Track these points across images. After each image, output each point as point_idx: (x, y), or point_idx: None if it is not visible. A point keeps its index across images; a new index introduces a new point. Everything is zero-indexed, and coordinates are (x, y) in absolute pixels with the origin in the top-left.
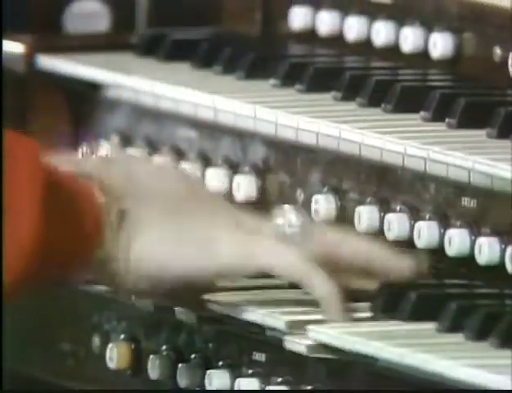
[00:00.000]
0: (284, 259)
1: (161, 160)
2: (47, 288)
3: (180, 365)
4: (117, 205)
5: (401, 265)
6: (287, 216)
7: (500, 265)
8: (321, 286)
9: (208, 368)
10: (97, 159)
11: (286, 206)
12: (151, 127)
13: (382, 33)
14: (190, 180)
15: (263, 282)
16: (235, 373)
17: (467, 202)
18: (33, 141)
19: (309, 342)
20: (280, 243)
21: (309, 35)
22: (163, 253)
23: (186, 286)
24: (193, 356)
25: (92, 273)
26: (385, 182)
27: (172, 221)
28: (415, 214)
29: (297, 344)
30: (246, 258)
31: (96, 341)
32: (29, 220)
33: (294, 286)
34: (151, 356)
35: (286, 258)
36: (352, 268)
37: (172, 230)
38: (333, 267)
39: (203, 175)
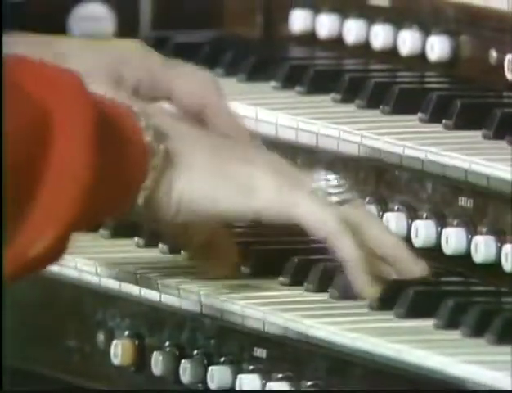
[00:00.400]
0: (317, 214)
1: None
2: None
3: (183, 361)
4: (163, 145)
5: (416, 268)
6: (328, 179)
7: (496, 263)
8: (348, 249)
9: (210, 364)
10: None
11: (329, 173)
12: None
13: (380, 36)
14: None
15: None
16: (237, 369)
17: (463, 202)
18: (77, 75)
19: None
20: (316, 198)
21: (309, 38)
22: (204, 192)
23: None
24: (195, 352)
25: (136, 209)
26: (383, 182)
27: (213, 162)
28: (413, 214)
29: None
30: (282, 206)
31: (101, 337)
32: (83, 153)
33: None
34: (155, 352)
35: (320, 213)
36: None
37: (214, 171)
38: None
39: None
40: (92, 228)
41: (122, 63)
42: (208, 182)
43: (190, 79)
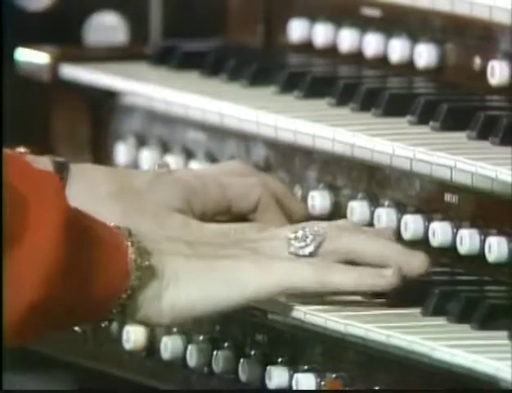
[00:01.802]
0: (301, 275)
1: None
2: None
3: (189, 346)
4: (147, 261)
5: (415, 262)
6: (296, 236)
7: (480, 255)
8: (343, 279)
9: (215, 349)
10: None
11: (300, 226)
12: (163, 130)
13: (372, 44)
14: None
15: None
16: (239, 354)
17: (449, 198)
18: (58, 179)
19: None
20: (294, 260)
21: (306, 46)
22: (193, 296)
23: None
24: (201, 338)
25: (120, 315)
26: (375, 180)
27: (197, 267)
28: (402, 209)
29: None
30: (268, 284)
31: (114, 324)
32: (50, 244)
33: None
34: (164, 338)
35: (303, 274)
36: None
37: (199, 274)
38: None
39: None
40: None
41: (190, 195)
42: (196, 286)
43: (246, 197)
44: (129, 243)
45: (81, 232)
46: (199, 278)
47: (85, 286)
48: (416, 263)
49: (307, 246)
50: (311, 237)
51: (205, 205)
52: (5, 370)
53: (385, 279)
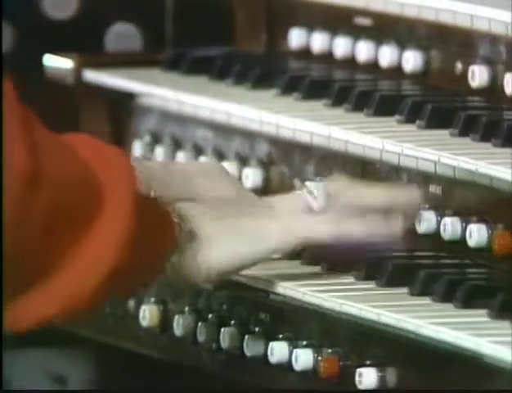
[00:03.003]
0: (319, 230)
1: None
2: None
3: (199, 323)
4: (186, 225)
5: (410, 197)
6: (309, 190)
7: (462, 240)
8: (357, 230)
9: (222, 326)
10: (158, 167)
11: (307, 183)
12: (176, 128)
13: (364, 51)
14: (230, 181)
15: None
16: (244, 330)
17: (433, 189)
18: (128, 157)
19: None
20: (309, 217)
21: (305, 53)
22: (225, 254)
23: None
24: (210, 316)
25: (165, 276)
26: (367, 173)
27: (227, 225)
28: None
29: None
30: (290, 237)
31: (131, 303)
32: (123, 221)
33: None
34: (176, 316)
35: (319, 228)
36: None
37: (229, 233)
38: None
39: None
40: (128, 293)
41: (149, 180)
42: (224, 245)
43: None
44: (171, 210)
45: (143, 204)
46: (226, 238)
47: (146, 249)
48: (414, 195)
49: (315, 199)
50: (316, 191)
51: (165, 193)
52: (26, 346)
53: (394, 225)
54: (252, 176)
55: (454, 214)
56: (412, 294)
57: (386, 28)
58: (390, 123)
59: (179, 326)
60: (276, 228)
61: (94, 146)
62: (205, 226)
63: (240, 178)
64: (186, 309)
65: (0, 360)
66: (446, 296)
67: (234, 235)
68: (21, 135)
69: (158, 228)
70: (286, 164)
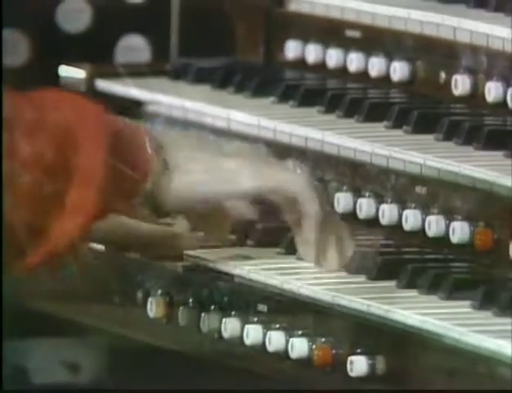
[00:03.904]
0: (290, 178)
1: None
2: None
3: (202, 314)
4: (161, 155)
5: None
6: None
7: (445, 237)
8: (312, 206)
9: (224, 317)
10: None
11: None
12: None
13: (354, 61)
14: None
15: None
16: (244, 321)
17: (419, 190)
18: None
19: None
20: (286, 169)
21: (300, 63)
22: (197, 181)
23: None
24: (212, 307)
25: (142, 201)
26: (357, 175)
27: (201, 159)
28: (380, 199)
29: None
30: (261, 180)
31: (139, 295)
32: (98, 160)
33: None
34: (181, 307)
35: (292, 177)
36: None
37: (203, 165)
38: None
39: None
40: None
41: None
42: (198, 177)
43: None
44: (148, 139)
45: (117, 138)
46: (202, 171)
47: (123, 177)
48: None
49: None
50: None
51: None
52: (41, 336)
53: None
54: None
55: (438, 213)
56: (400, 287)
57: (375, 40)
58: (379, 128)
59: (184, 316)
60: (252, 172)
61: (70, 99)
62: (179, 157)
63: None
64: (190, 300)
65: (0, 360)
66: (432, 289)
67: (207, 169)
68: None
69: (132, 155)
70: None
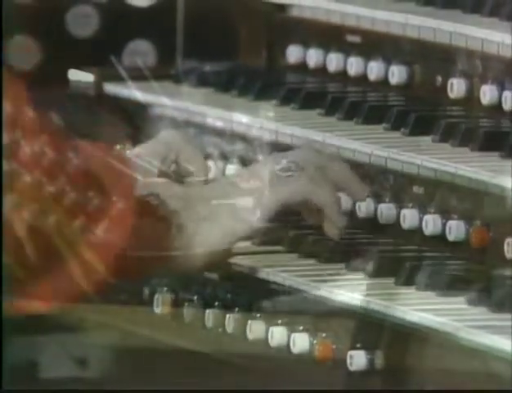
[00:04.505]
0: (297, 190)
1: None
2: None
3: (207, 311)
4: (175, 220)
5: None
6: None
7: (442, 235)
8: (328, 199)
9: (228, 313)
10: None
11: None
12: (186, 134)
13: (354, 65)
14: None
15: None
16: (247, 316)
17: (417, 189)
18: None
19: None
20: (287, 183)
21: (301, 67)
22: (210, 237)
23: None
24: (216, 304)
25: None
26: (357, 175)
27: (210, 217)
28: (379, 199)
29: None
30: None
31: (146, 292)
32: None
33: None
34: (186, 304)
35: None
36: None
37: (212, 222)
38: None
39: (223, 170)
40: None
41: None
42: (211, 229)
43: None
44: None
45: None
46: (212, 224)
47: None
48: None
49: (292, 173)
50: (293, 165)
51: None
52: (51, 332)
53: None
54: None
55: (435, 212)
56: (398, 283)
57: (374, 45)
58: (378, 130)
59: (189, 313)
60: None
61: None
62: (194, 222)
63: None
64: (195, 297)
65: (0, 360)
66: (429, 285)
67: (216, 224)
68: None
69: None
70: None
